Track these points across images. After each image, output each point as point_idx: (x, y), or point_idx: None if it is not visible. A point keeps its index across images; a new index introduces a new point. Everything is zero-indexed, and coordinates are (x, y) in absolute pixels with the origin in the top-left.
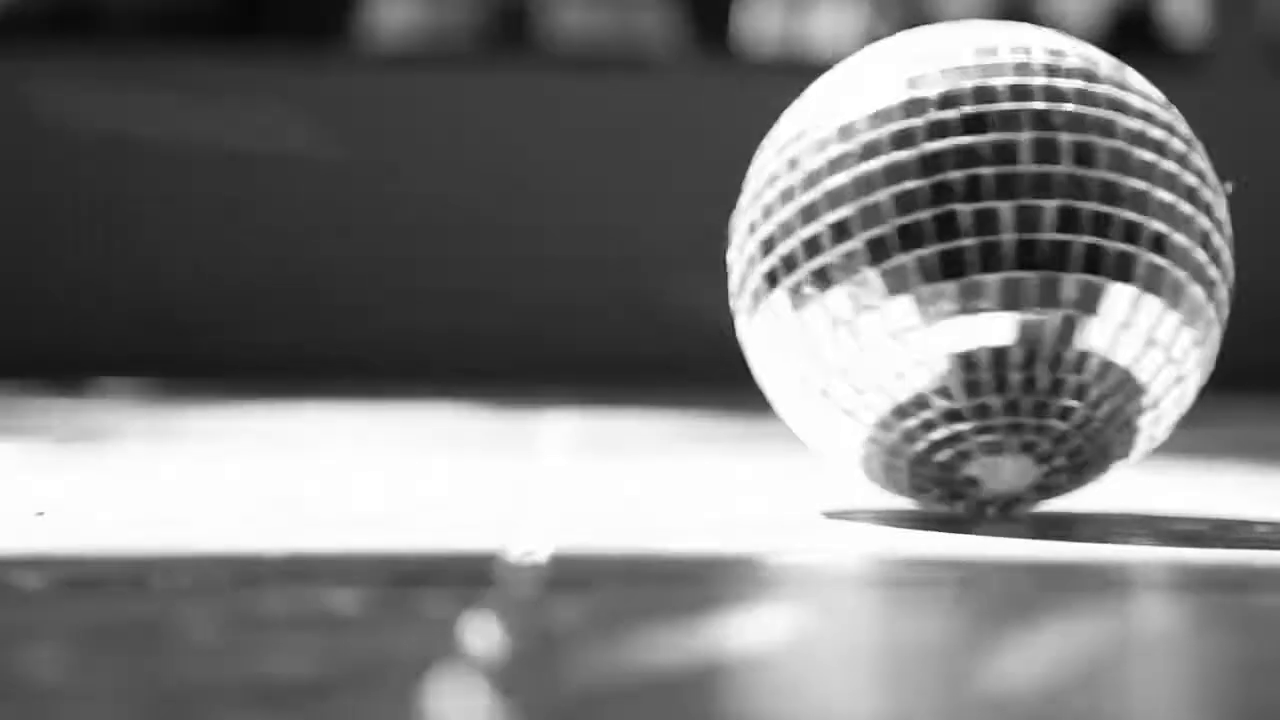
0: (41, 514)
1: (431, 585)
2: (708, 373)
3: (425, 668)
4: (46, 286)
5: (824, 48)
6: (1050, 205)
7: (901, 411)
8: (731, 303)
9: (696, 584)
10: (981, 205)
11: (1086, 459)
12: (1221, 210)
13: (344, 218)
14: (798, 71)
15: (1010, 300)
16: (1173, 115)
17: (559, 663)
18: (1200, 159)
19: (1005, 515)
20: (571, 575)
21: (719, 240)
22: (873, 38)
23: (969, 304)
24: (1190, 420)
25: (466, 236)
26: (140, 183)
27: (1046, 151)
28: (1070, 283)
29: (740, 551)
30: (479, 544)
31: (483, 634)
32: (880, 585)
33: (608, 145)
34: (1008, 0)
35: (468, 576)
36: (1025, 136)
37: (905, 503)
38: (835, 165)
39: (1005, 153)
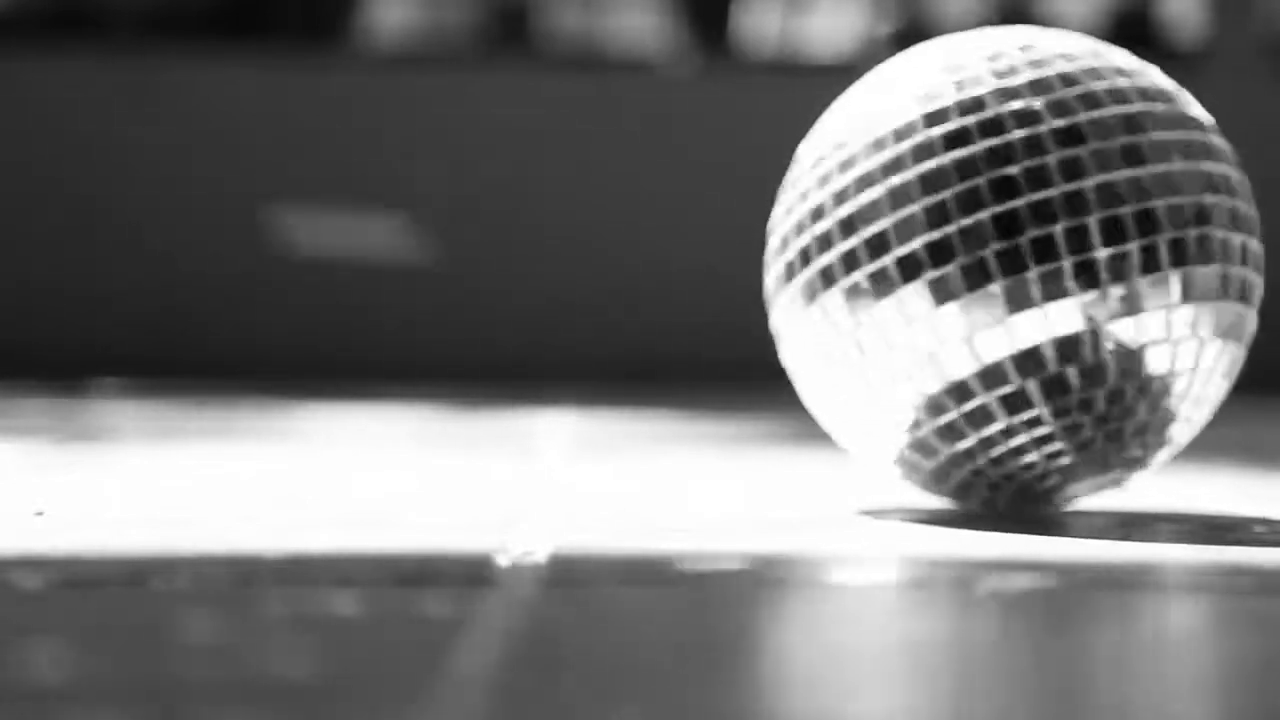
0: (41, 514)
1: (431, 585)
2: (708, 372)
3: (425, 668)
4: (46, 286)
5: (823, 49)
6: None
7: (938, 407)
8: (769, 300)
9: (696, 584)
10: (1009, 206)
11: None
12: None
13: (343, 217)
14: (797, 73)
15: (1051, 296)
16: (1178, 101)
17: (559, 663)
18: (1226, 152)
19: (1031, 509)
20: (571, 575)
21: (719, 239)
22: (872, 38)
23: (1008, 304)
24: None
25: (466, 236)
26: (140, 182)
27: (1071, 161)
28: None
29: (741, 551)
30: (479, 544)
31: (483, 634)
32: (884, 584)
33: (607, 145)
34: (1007, 0)
35: (468, 576)
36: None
37: (919, 500)
38: (867, 179)
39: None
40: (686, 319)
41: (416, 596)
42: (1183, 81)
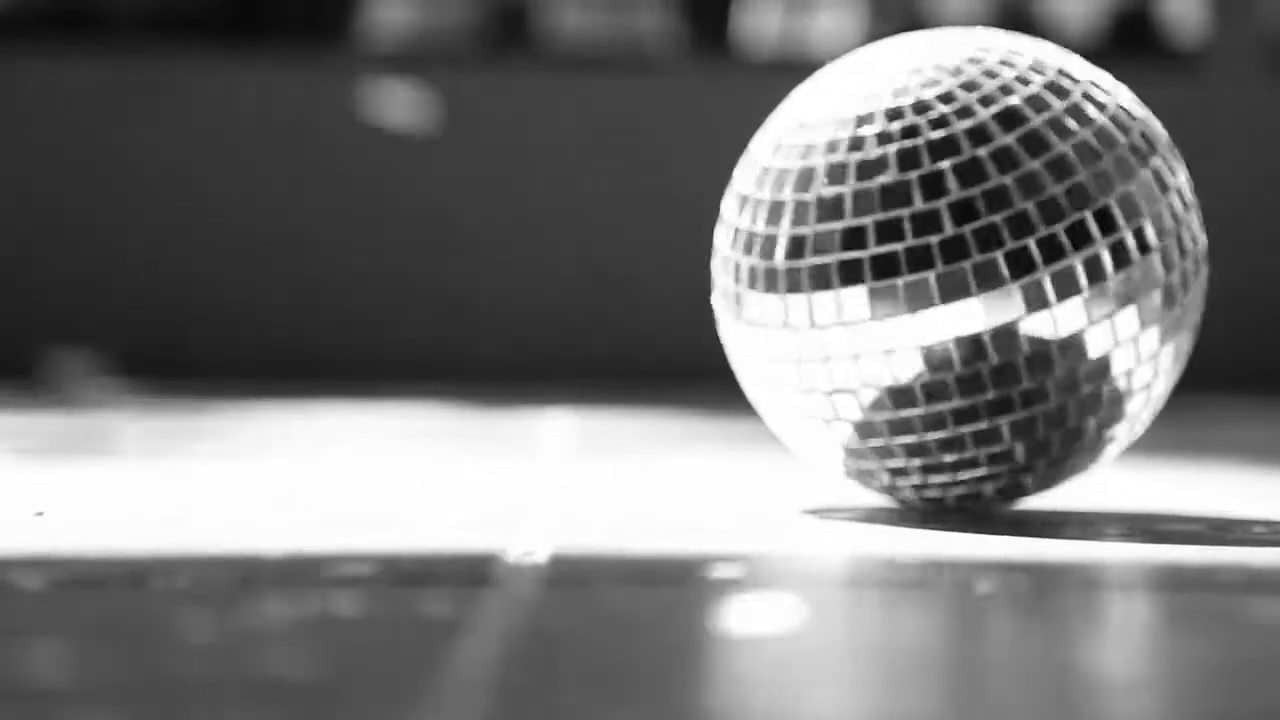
0: (41, 514)
1: (431, 585)
2: (708, 373)
3: (425, 668)
4: (46, 286)
5: (823, 48)
6: (1010, 208)
7: (881, 408)
8: (715, 305)
9: (696, 584)
10: (933, 206)
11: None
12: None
13: (344, 217)
14: (797, 72)
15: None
16: (1124, 106)
17: (559, 663)
18: (1163, 149)
19: (990, 509)
20: (571, 575)
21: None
22: (871, 39)
23: (938, 299)
24: (1187, 420)
25: (465, 236)
26: (140, 182)
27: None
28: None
29: (738, 551)
30: (479, 544)
31: (483, 634)
32: (876, 585)
33: (607, 145)
34: (1006, 1)
35: (468, 576)
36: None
37: (893, 502)
38: (809, 178)
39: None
40: (687, 318)
41: (416, 596)
42: (1182, 81)
